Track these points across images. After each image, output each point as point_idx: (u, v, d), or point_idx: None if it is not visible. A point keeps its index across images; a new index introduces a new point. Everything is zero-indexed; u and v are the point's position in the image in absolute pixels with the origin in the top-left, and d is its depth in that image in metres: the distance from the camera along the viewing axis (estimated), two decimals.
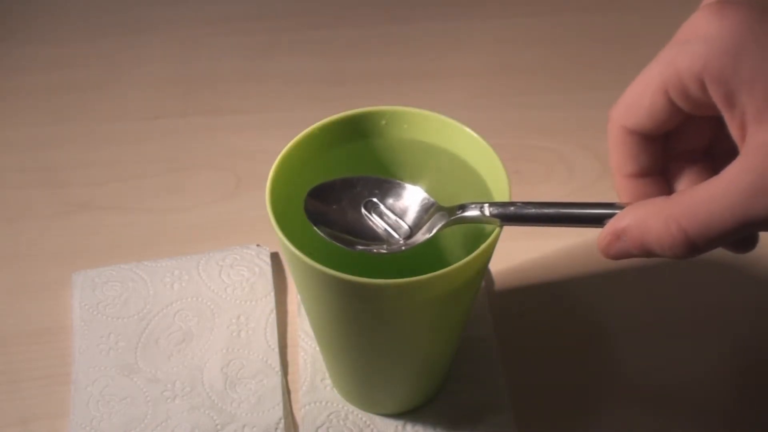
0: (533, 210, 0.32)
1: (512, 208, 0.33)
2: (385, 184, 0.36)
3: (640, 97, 0.30)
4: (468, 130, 0.37)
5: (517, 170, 0.56)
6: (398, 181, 0.37)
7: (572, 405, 0.45)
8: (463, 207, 0.34)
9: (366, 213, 0.36)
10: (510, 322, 0.48)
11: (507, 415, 0.43)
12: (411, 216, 0.36)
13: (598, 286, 0.50)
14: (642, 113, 0.30)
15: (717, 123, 0.29)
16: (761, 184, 0.25)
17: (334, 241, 0.34)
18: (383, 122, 0.39)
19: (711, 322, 0.49)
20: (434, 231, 0.35)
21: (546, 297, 0.50)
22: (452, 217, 0.34)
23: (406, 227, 0.35)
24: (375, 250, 0.35)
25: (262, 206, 0.34)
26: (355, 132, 0.39)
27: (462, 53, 0.67)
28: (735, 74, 0.26)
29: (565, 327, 0.48)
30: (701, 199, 0.27)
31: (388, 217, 0.36)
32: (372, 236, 0.35)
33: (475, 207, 0.34)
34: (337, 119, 0.38)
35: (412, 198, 0.36)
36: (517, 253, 0.51)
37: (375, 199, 0.36)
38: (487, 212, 0.33)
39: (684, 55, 0.28)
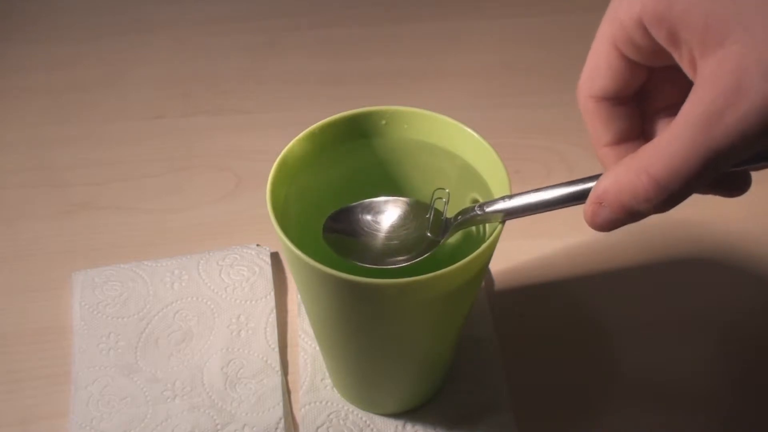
0: (520, 201, 0.33)
1: (503, 203, 0.33)
2: (385, 204, 0.38)
3: (597, 61, 0.30)
4: (468, 130, 0.38)
5: (517, 170, 0.56)
6: (401, 198, 0.38)
7: (572, 405, 0.45)
8: (462, 213, 0.35)
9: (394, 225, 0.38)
10: (510, 322, 0.48)
11: (507, 415, 0.43)
12: (416, 229, 0.37)
13: (598, 286, 0.50)
14: (603, 77, 0.30)
15: (686, 75, 0.29)
16: (713, 112, 0.25)
17: (357, 263, 0.36)
18: (383, 122, 0.39)
19: (711, 321, 0.49)
20: (442, 241, 0.36)
21: (546, 297, 0.50)
22: (455, 224, 0.35)
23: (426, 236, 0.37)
24: (392, 265, 0.36)
25: (262, 206, 0.34)
26: (355, 132, 0.39)
27: (462, 53, 0.67)
28: (670, 11, 0.26)
29: (565, 327, 0.48)
30: (663, 143, 0.26)
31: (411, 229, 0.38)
32: (388, 250, 0.37)
33: (470, 210, 0.35)
34: (337, 119, 0.38)
35: (415, 211, 0.37)
36: (517, 253, 0.51)
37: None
38: (481, 211, 0.34)
39: (622, 5, 0.28)
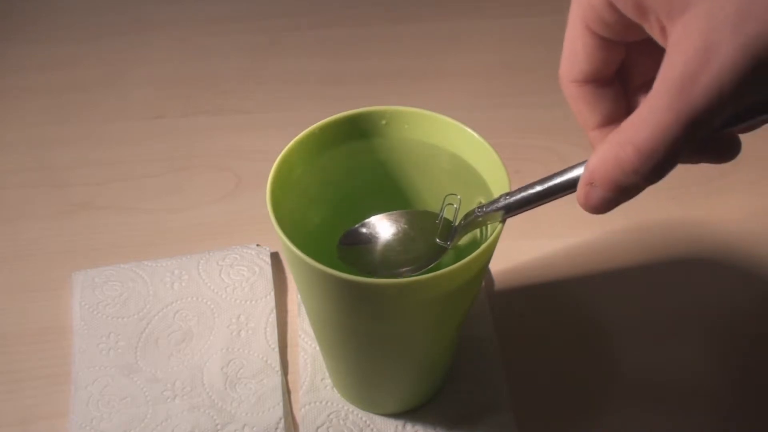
0: (518, 196, 0.33)
1: (502, 201, 0.34)
2: (394, 217, 0.39)
3: (573, 45, 0.30)
4: (468, 129, 0.38)
5: (517, 170, 0.56)
6: (409, 210, 0.39)
7: (572, 405, 0.45)
8: (465, 217, 0.35)
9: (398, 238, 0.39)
10: (510, 322, 0.48)
11: (507, 415, 0.43)
12: (425, 237, 0.37)
13: (598, 286, 0.50)
14: (581, 60, 0.30)
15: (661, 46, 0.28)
16: (687, 75, 0.25)
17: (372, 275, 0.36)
18: (383, 122, 0.39)
19: (711, 321, 0.49)
20: (450, 246, 0.36)
21: (546, 297, 0.50)
22: (460, 228, 0.36)
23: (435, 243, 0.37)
24: (403, 276, 0.36)
25: (262, 206, 0.34)
26: (356, 132, 0.39)
27: (462, 53, 0.67)
28: None
29: (566, 327, 0.48)
30: (643, 113, 0.26)
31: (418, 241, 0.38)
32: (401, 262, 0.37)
33: (472, 213, 0.35)
34: (337, 119, 0.38)
35: (424, 221, 0.38)
36: (517, 253, 0.51)
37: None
38: (481, 212, 0.34)
39: None
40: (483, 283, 0.49)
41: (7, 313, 0.48)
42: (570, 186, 0.31)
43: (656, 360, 0.47)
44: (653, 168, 0.26)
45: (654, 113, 0.26)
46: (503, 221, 0.34)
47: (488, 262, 0.36)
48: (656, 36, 0.27)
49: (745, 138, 0.30)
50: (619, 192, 0.28)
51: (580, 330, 0.48)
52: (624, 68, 0.32)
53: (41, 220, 0.54)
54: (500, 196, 0.34)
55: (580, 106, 0.32)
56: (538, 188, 0.32)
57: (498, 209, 0.34)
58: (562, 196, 0.32)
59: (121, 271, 0.49)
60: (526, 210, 0.33)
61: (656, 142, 0.26)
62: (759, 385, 0.46)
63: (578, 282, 0.50)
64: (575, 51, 0.30)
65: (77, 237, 0.53)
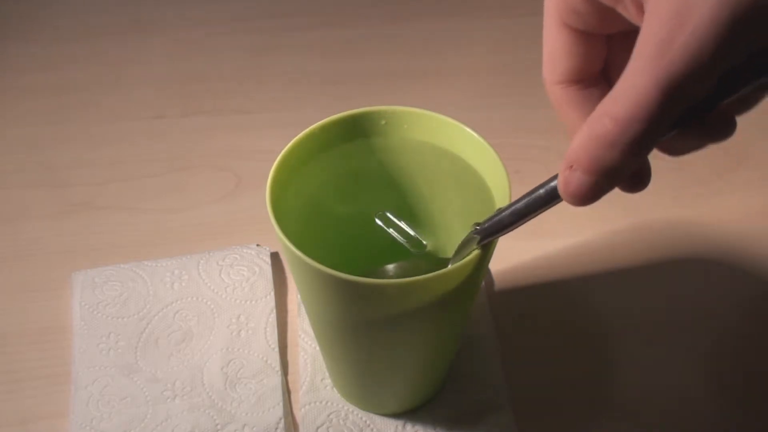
0: (507, 213, 0.32)
1: (489, 223, 0.33)
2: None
3: (552, 44, 0.29)
4: (468, 130, 0.37)
5: (517, 170, 0.56)
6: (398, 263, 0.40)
7: (572, 405, 0.45)
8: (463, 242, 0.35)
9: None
10: (510, 322, 0.48)
11: (507, 415, 0.43)
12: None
13: (599, 285, 0.50)
14: (562, 58, 0.29)
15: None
16: (664, 39, 0.23)
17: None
18: (383, 122, 0.39)
19: (712, 322, 0.49)
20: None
21: (546, 297, 0.50)
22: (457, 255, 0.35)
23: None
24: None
25: (262, 206, 0.34)
26: (355, 132, 0.39)
27: (462, 53, 0.67)
28: None
29: (565, 327, 0.48)
30: (620, 84, 0.25)
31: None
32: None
33: (469, 235, 0.34)
34: (337, 119, 0.38)
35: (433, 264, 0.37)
36: (517, 253, 0.51)
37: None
38: (474, 236, 0.33)
39: None
40: (483, 283, 0.49)
41: (7, 313, 0.48)
42: (552, 198, 0.29)
43: (656, 360, 0.47)
44: (633, 139, 0.25)
45: (631, 81, 0.24)
46: (480, 246, 0.33)
47: (487, 263, 0.36)
48: (632, 17, 0.26)
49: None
50: (599, 173, 0.26)
51: (580, 330, 0.48)
52: (608, 67, 0.31)
53: (41, 220, 0.54)
54: (486, 220, 0.33)
55: (566, 110, 0.30)
56: (517, 207, 0.31)
57: (482, 232, 0.33)
58: (546, 209, 0.30)
59: (121, 271, 0.49)
60: (510, 231, 0.32)
61: (634, 110, 0.24)
62: (759, 385, 0.46)
63: (578, 282, 0.50)
64: (554, 49, 0.29)
65: (77, 237, 0.53)
